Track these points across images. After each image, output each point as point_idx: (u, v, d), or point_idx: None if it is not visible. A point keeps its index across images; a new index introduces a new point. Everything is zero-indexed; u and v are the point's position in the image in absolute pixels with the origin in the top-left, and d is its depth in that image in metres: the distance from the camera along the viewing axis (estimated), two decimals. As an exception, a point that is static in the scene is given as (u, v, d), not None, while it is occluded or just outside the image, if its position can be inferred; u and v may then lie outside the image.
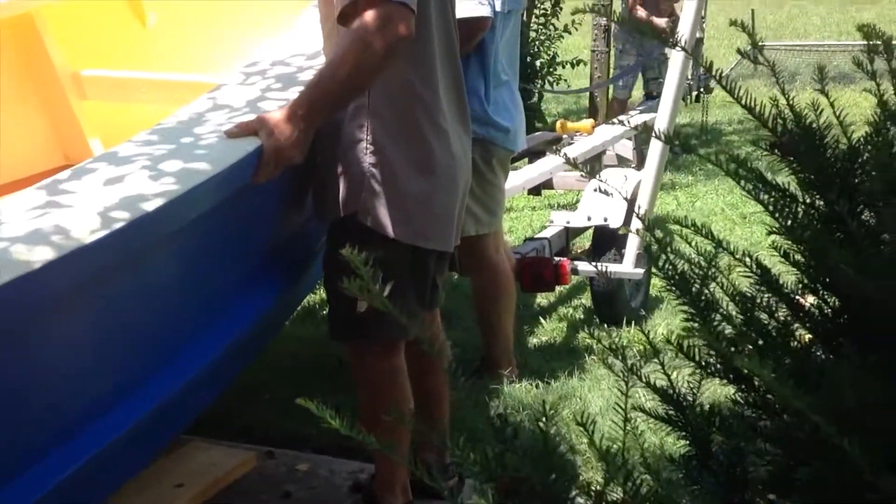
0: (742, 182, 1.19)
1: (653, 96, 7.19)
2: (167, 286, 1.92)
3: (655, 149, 3.64)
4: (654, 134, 1.35)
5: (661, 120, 3.59)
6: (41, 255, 1.49)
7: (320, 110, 1.98)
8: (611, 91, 8.03)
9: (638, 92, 8.14)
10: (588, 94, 8.26)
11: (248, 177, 1.91)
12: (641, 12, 7.35)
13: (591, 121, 5.41)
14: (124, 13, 3.42)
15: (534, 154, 4.71)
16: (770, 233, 1.18)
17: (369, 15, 1.91)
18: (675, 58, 3.69)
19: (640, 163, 5.14)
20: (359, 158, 2.12)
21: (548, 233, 3.97)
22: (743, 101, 1.19)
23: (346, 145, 2.13)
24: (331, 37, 2.17)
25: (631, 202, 2.65)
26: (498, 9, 2.98)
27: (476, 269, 3.32)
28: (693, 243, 1.25)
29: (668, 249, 1.21)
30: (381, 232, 2.11)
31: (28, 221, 1.57)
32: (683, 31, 3.43)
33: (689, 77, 7.83)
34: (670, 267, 1.20)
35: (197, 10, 3.40)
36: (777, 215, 1.17)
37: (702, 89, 8.29)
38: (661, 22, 7.31)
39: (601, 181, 1.64)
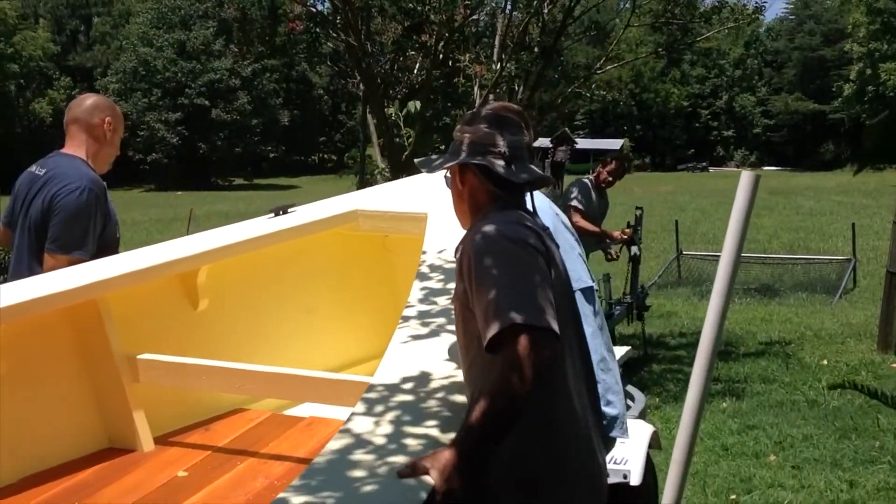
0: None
1: None
2: None
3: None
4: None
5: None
6: None
7: (484, 446, 2.04)
8: None
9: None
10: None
11: None
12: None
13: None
14: (180, 299, 3.53)
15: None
16: None
17: (519, 344, 1.99)
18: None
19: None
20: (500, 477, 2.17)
21: None
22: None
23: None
24: (474, 365, 2.25)
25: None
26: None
27: None
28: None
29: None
30: None
31: None
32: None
33: (628, 295, 8.31)
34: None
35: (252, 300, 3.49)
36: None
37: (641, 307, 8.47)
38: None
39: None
